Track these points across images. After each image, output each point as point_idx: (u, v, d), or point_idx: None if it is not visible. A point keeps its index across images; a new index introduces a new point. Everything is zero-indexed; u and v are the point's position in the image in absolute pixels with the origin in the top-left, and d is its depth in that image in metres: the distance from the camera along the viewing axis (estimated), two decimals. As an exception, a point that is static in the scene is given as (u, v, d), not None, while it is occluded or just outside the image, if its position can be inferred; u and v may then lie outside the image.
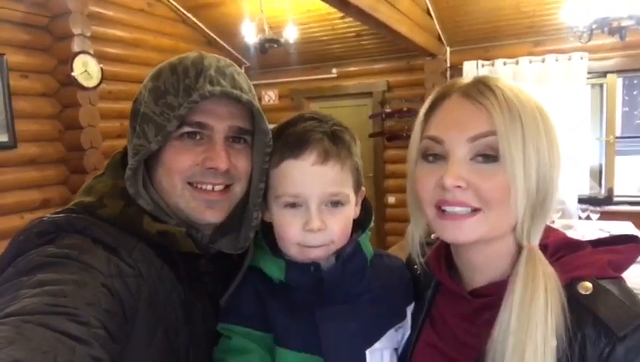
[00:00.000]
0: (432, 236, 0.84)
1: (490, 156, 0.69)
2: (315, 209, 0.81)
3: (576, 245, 0.75)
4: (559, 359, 0.63)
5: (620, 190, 4.70)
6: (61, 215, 0.75)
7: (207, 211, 0.81)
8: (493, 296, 0.71)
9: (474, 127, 0.70)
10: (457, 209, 0.70)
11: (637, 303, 0.65)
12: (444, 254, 0.83)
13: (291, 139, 0.82)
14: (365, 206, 0.93)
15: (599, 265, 0.69)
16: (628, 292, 0.66)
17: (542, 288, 0.66)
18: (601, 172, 4.67)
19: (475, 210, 0.70)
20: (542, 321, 0.64)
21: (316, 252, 0.83)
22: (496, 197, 0.69)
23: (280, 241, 0.85)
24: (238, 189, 0.85)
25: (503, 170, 0.68)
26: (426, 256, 0.86)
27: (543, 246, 0.72)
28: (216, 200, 0.82)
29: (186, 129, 0.78)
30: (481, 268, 0.77)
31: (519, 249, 0.72)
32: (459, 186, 0.69)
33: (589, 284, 0.66)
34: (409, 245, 0.85)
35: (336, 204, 0.83)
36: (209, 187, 0.81)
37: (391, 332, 0.87)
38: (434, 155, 0.74)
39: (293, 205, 0.82)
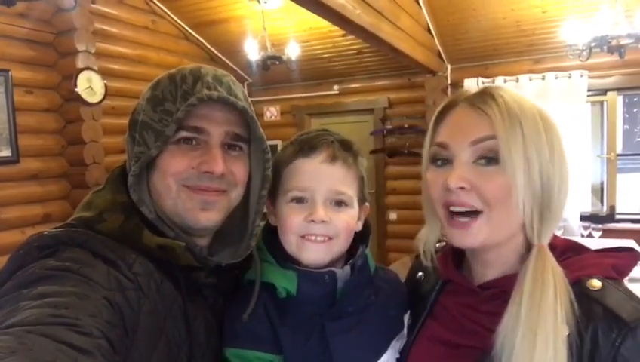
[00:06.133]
0: (438, 245, 0.90)
1: (491, 158, 0.74)
2: (321, 203, 0.85)
3: (582, 248, 0.80)
4: (570, 347, 0.66)
5: (622, 208, 4.69)
6: (61, 229, 0.75)
7: (202, 213, 0.81)
8: (500, 287, 0.76)
9: (476, 131, 0.75)
10: (462, 210, 0.75)
11: (639, 300, 0.69)
12: (451, 256, 0.88)
13: (304, 142, 0.89)
14: (365, 224, 0.96)
15: (604, 267, 0.74)
16: (629, 291, 0.72)
17: (551, 283, 0.70)
18: (602, 189, 4.66)
19: (477, 212, 0.74)
20: (552, 313, 0.68)
21: (317, 248, 0.85)
22: (498, 198, 0.73)
23: (282, 234, 0.88)
24: (234, 195, 0.85)
25: (504, 171, 0.72)
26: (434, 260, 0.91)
27: (551, 247, 0.76)
28: (211, 201, 0.82)
29: (183, 134, 0.79)
30: (492, 264, 0.81)
31: (529, 247, 0.76)
32: (462, 188, 0.74)
33: (597, 281, 0.71)
34: (421, 246, 0.90)
35: (340, 203, 0.87)
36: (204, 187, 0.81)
37: (394, 343, 0.89)
38: (442, 160, 0.79)
39: (300, 200, 0.87)
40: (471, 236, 0.75)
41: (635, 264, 0.78)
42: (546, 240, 0.75)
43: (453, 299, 0.86)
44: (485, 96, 0.76)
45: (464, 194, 0.74)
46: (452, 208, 0.76)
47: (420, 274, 0.97)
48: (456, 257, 0.88)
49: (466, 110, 0.78)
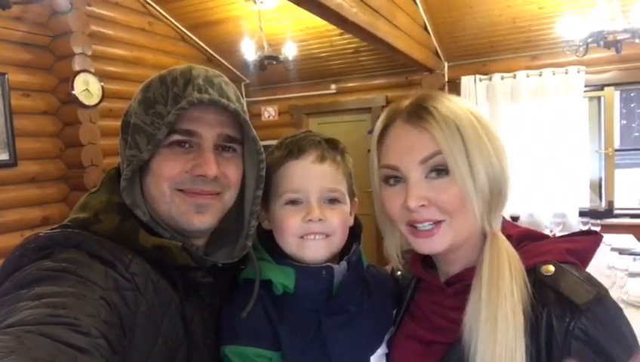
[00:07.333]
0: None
1: (441, 170, 0.77)
2: (315, 202, 0.87)
3: (537, 236, 0.83)
4: (526, 330, 0.68)
5: (620, 203, 4.69)
6: (57, 230, 0.75)
7: (196, 216, 0.81)
8: (463, 280, 0.79)
9: (422, 150, 0.77)
10: (426, 225, 0.78)
11: (593, 282, 0.72)
12: (420, 256, 0.90)
13: (292, 144, 0.90)
14: (356, 222, 0.98)
15: (558, 252, 0.76)
16: (585, 273, 0.74)
17: (506, 265, 0.73)
18: (600, 185, 4.67)
19: (439, 222, 0.77)
20: (509, 293, 0.70)
21: (316, 245, 0.87)
22: (455, 206, 0.76)
23: (280, 237, 0.89)
24: (228, 197, 0.85)
25: (455, 182, 0.76)
26: (406, 262, 0.94)
27: (508, 237, 0.79)
28: (205, 203, 0.82)
29: (175, 137, 0.79)
30: (455, 261, 0.84)
31: (484, 237, 0.79)
32: (422, 205, 0.77)
33: (551, 267, 0.73)
34: (388, 256, 0.93)
35: (333, 201, 0.89)
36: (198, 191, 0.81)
37: (386, 337, 0.91)
38: (394, 179, 0.81)
39: (294, 202, 0.88)
40: (436, 242, 0.78)
41: (596, 246, 0.80)
42: (497, 225, 0.79)
43: (424, 297, 0.89)
44: (421, 110, 0.78)
45: (425, 211, 0.77)
46: (417, 225, 0.79)
47: (399, 273, 1.00)
48: (427, 256, 0.89)
49: (406, 129, 0.79)
